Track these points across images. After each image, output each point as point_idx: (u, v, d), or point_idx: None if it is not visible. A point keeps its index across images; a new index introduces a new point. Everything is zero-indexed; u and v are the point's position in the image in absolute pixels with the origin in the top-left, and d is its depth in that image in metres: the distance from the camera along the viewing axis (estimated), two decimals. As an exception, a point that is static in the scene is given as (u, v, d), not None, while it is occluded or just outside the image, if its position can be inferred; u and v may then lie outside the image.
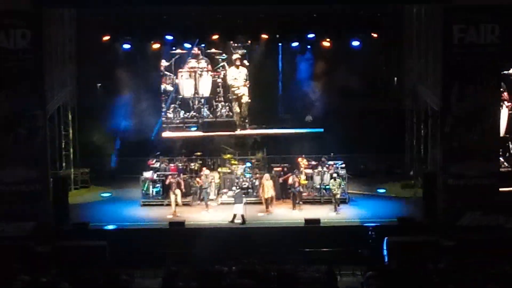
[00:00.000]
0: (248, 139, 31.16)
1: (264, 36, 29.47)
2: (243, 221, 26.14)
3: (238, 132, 30.74)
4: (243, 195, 27.24)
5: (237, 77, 30.71)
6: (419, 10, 28.73)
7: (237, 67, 30.73)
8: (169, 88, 31.05)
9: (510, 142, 28.99)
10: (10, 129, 24.47)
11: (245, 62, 30.83)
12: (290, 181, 27.79)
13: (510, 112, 28.67)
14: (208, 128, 30.54)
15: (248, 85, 30.68)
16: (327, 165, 28.86)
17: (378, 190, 29.01)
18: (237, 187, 28.30)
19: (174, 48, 30.46)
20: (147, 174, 28.89)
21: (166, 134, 30.82)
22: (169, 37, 28.59)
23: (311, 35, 29.01)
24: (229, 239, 24.83)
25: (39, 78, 24.76)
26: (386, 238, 24.16)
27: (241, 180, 28.84)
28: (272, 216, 27.00)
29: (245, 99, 30.70)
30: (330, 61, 31.00)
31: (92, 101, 31.07)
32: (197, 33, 29.08)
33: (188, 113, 31.24)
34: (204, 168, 28.81)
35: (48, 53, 25.69)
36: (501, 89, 26.86)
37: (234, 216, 26.25)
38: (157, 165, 29.48)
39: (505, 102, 28.45)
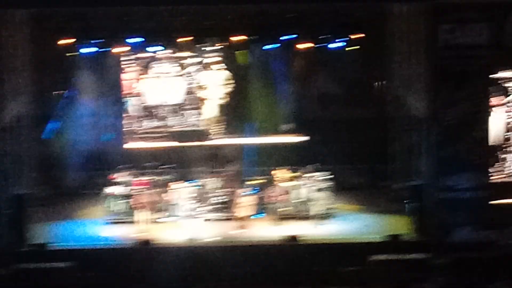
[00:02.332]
0: (220, 150, 31.26)
1: (237, 38, 29.58)
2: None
3: (209, 142, 30.83)
4: (197, 210, 27.38)
5: (210, 81, 30.85)
6: (401, 9, 28.82)
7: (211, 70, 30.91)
8: (133, 95, 31.12)
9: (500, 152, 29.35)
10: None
11: (218, 65, 30.98)
12: (269, 195, 27.93)
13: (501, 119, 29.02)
14: (176, 138, 30.57)
15: (220, 89, 30.83)
16: (307, 177, 29.04)
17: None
18: (191, 202, 28.29)
19: (138, 51, 30.47)
20: (110, 190, 28.90)
21: (129, 145, 30.80)
22: (133, 40, 28.62)
23: (287, 37, 29.16)
24: (203, 259, 24.88)
25: (-10, 86, 24.78)
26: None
27: (213, 194, 28.93)
28: (248, 234, 27.00)
29: (216, 103, 30.85)
30: (308, 64, 31.15)
31: (50, 110, 31.01)
32: (164, 35, 29.11)
33: (153, 122, 31.22)
34: (172, 182, 28.87)
35: (0, 58, 25.60)
36: (492, 94, 27.18)
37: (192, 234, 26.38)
38: (120, 179, 29.48)
39: (496, 108, 28.76)
